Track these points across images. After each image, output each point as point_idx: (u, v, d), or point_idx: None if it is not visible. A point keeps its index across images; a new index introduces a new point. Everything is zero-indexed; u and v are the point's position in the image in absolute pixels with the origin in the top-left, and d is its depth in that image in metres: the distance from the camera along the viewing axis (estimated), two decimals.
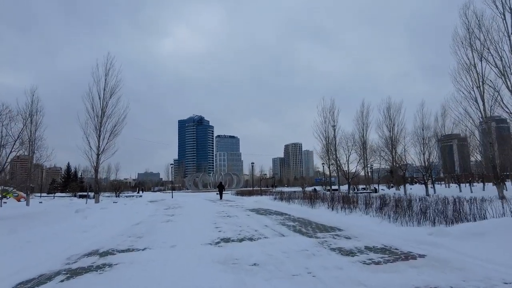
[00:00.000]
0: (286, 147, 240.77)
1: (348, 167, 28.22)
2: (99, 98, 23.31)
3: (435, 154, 32.53)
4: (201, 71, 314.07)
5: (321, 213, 11.14)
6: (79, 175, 61.02)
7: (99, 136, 22.88)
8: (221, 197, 27.95)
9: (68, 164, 56.16)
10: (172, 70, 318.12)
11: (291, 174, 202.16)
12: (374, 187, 32.57)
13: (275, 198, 19.18)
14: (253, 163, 37.32)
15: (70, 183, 45.93)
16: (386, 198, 10.84)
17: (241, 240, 6.60)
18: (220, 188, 30.00)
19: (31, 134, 20.61)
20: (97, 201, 22.15)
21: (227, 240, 6.64)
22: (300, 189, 46.89)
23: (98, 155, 22.73)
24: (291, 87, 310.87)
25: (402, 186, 41.56)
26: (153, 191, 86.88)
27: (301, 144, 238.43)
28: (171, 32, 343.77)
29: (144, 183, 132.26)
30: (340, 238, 6.61)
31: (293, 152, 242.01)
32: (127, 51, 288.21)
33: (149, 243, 6.50)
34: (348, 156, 28.28)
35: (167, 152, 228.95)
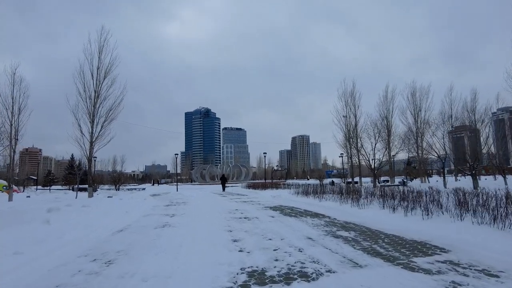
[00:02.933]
0: (293, 139, 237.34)
1: (374, 156, 24.93)
2: (92, 78, 20.39)
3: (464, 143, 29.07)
4: (207, 58, 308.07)
5: (375, 216, 8.02)
6: (85, 167, 58.66)
7: (93, 122, 20.04)
8: (223, 189, 27.19)
9: (72, 155, 53.58)
10: (178, 58, 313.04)
11: (298, 167, 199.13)
12: (403, 179, 29.23)
13: (297, 193, 16.11)
14: (265, 153, 34.12)
15: (72, 175, 43.65)
16: (460, 193, 7.69)
17: (287, 279, 3.52)
18: (223, 181, 29.35)
19: (13, 117, 17.82)
20: (90, 196, 19.42)
21: (260, 277, 3.58)
22: (313, 181, 43.80)
23: (91, 142, 19.89)
24: (302, 74, 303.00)
25: (424, 178, 38.03)
26: (160, 184, 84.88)
27: (308, 136, 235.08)
28: (177, 14, 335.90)
29: (152, 176, 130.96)
30: (477, 274, 3.48)
31: (300, 144, 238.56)
32: (132, 38, 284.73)
33: (116, 282, 3.49)
34: (374, 144, 24.95)
35: (174, 144, 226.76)
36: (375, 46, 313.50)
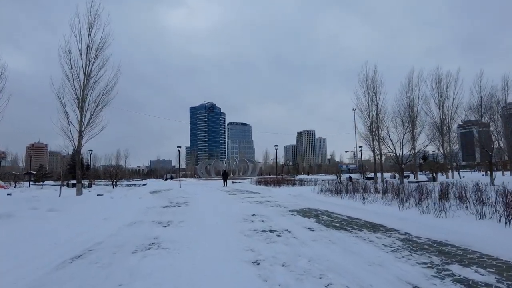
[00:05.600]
0: (299, 134, 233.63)
1: (402, 149, 21.87)
2: (81, 57, 17.67)
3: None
4: (213, 49, 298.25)
5: (484, 232, 5.15)
6: (90, 162, 56.39)
7: (82, 108, 17.38)
8: (224, 185, 26.96)
9: (73, 149, 51.48)
10: (183, 50, 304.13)
11: (304, 162, 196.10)
12: (432, 175, 26.19)
13: (322, 191, 13.24)
14: (277, 145, 31.14)
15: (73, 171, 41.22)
16: None
17: None
18: (225, 176, 29.33)
19: None
20: (79, 193, 16.84)
21: None
22: (326, 177, 40.80)
23: (80, 132, 17.27)
24: (312, 66, 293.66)
25: (447, 173, 34.75)
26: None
27: (314, 131, 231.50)
28: (182, 1, 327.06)
29: (156, 171, 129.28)
30: None
31: (306, 139, 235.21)
32: (136, 31, 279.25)
33: None
34: (403, 135, 21.87)
35: (179, 140, 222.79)
36: (390, 35, 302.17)
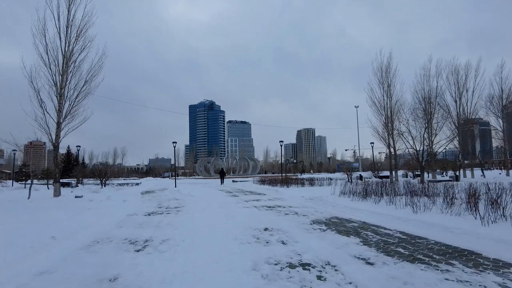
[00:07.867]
0: (299, 132, 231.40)
1: (423, 145, 19.50)
2: (59, 39, 15.30)
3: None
4: (215, 43, 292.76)
5: None
6: (78, 159, 53.91)
7: (61, 95, 15.04)
8: (221, 182, 27.84)
9: (68, 147, 49.07)
10: (184, 44, 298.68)
11: (304, 160, 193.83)
12: (455, 174, 23.90)
13: (346, 194, 10.87)
14: (282, 141, 28.73)
15: (70, 168, 38.87)
16: None
17: None
18: (222, 174, 30.05)
19: None
20: (56, 194, 14.49)
21: None
22: (333, 175, 38.60)
23: (58, 123, 14.93)
24: (316, 61, 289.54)
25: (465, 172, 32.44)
26: (163, 177, 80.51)
27: (314, 130, 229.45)
28: None
29: (155, 169, 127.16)
30: None
31: (306, 137, 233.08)
32: (136, 25, 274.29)
33: None
34: (424, 129, 19.52)
35: (179, 138, 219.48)
36: (398, 29, 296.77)
